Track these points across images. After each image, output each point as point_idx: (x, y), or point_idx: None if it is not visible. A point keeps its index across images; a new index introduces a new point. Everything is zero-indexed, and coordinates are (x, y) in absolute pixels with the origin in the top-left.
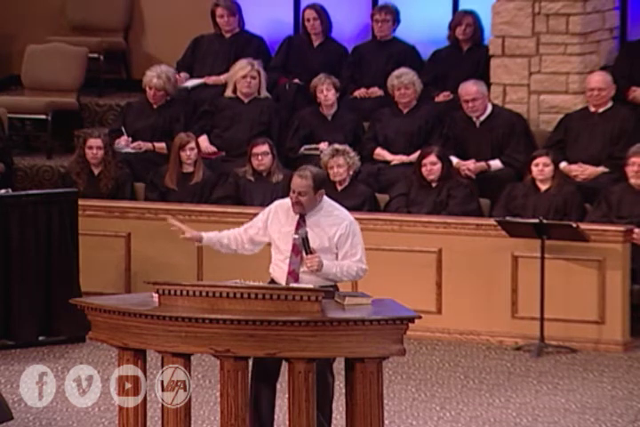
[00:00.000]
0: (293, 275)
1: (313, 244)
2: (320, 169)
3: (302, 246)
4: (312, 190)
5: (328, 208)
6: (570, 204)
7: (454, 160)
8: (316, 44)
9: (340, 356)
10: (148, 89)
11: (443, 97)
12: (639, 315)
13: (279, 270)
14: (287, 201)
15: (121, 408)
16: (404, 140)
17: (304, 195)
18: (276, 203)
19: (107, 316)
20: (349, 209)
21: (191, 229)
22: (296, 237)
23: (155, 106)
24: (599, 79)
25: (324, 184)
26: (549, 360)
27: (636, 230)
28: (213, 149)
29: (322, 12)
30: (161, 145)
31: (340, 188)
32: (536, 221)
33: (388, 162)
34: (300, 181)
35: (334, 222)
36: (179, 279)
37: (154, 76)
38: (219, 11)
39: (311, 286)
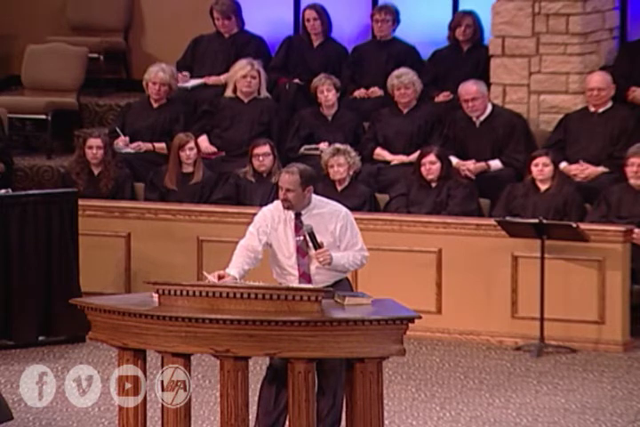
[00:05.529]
0: (305, 277)
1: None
2: (308, 166)
3: (310, 241)
4: (300, 187)
5: (319, 204)
6: (570, 204)
7: (454, 161)
8: (316, 44)
9: (340, 356)
10: (151, 84)
11: (443, 97)
12: (639, 315)
13: (291, 277)
14: (275, 206)
15: (121, 408)
16: (404, 140)
17: (292, 191)
18: (264, 210)
19: (106, 316)
20: (349, 209)
21: (223, 272)
22: (299, 239)
23: (155, 105)
24: (599, 79)
25: (311, 180)
26: (549, 360)
27: (636, 230)
28: (213, 149)
29: (322, 13)
30: (161, 145)
31: (339, 188)
32: (536, 221)
33: (387, 162)
34: (287, 177)
35: (331, 216)
36: (179, 279)
37: (159, 71)
38: (215, 13)
39: (314, 285)
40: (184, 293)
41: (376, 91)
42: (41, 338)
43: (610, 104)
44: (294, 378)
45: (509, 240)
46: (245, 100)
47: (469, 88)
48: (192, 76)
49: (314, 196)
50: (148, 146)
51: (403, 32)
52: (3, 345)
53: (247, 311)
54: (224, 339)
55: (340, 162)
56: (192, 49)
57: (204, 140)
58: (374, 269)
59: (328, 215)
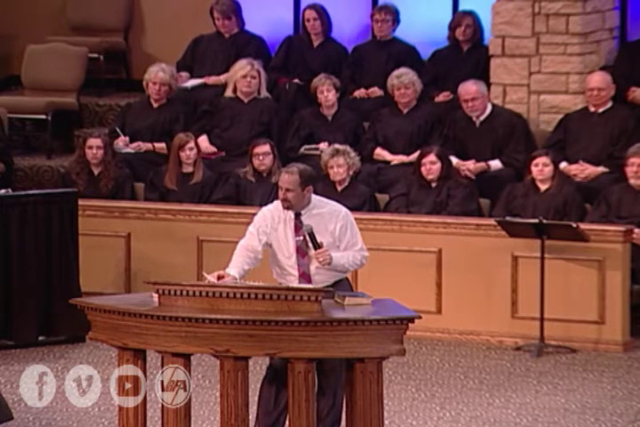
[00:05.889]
0: (305, 277)
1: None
2: (308, 166)
3: (310, 241)
4: (299, 187)
5: (319, 204)
6: (570, 204)
7: (454, 160)
8: (316, 44)
9: (340, 356)
10: (151, 84)
11: (443, 97)
12: (639, 315)
13: (291, 277)
14: (275, 206)
15: (121, 408)
16: (404, 140)
17: (291, 191)
18: (264, 210)
19: (106, 316)
20: (349, 209)
21: (222, 272)
22: (298, 239)
23: (155, 105)
24: (599, 79)
25: (311, 180)
26: (549, 360)
27: (636, 230)
28: (213, 149)
29: (322, 13)
30: (161, 145)
31: (339, 188)
32: (536, 221)
33: (388, 162)
34: (287, 177)
35: (331, 216)
36: (179, 279)
37: (159, 71)
38: (215, 14)
39: (314, 285)
40: (184, 293)
41: (376, 91)
42: (41, 338)
43: (610, 104)
44: (294, 378)
45: (509, 240)
46: (245, 100)
47: (469, 88)
48: (192, 76)
49: (314, 196)
50: (148, 146)
51: (403, 32)
52: (3, 345)
53: (247, 311)
54: (224, 339)
55: (340, 163)
56: (192, 49)
57: (203, 141)
58: (374, 269)
59: (328, 215)
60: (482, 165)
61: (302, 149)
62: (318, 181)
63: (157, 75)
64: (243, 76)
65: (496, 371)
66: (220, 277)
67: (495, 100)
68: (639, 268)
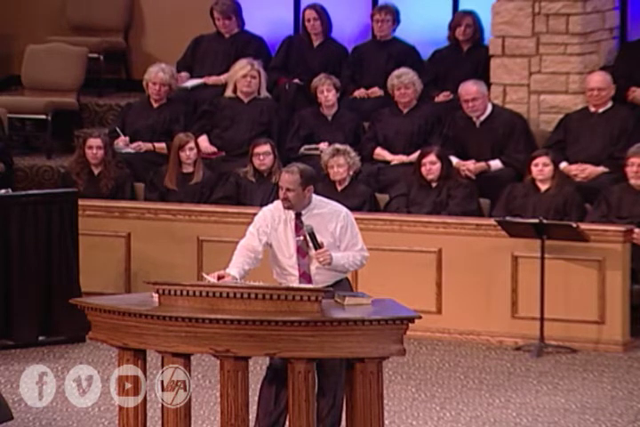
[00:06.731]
0: (305, 276)
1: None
2: (308, 166)
3: (311, 241)
4: (300, 186)
5: (319, 204)
6: (570, 204)
7: (454, 160)
8: (316, 44)
9: (339, 356)
10: (151, 85)
11: (443, 97)
12: (639, 315)
13: (291, 277)
14: (275, 206)
15: (121, 408)
16: (404, 140)
17: (292, 191)
18: (265, 210)
19: (106, 316)
20: (349, 209)
21: (222, 272)
22: (299, 239)
23: (155, 105)
24: (599, 79)
25: (312, 180)
26: (549, 360)
27: (636, 230)
28: (213, 149)
29: (322, 13)
30: (161, 145)
31: (339, 188)
32: (536, 221)
33: (388, 162)
34: (287, 176)
35: (331, 216)
36: (179, 279)
37: (159, 71)
38: (215, 13)
39: (314, 285)
40: (184, 293)
41: (376, 91)
42: (41, 338)
43: (610, 104)
44: (294, 378)
45: (509, 240)
46: (245, 100)
47: (469, 88)
48: (192, 76)
49: (314, 196)
50: (148, 146)
51: (403, 32)
52: (3, 345)
53: (247, 311)
54: (224, 339)
55: (340, 162)
56: (192, 49)
57: (203, 140)
58: (374, 269)
59: (328, 215)
60: (482, 165)
61: (302, 149)
62: (319, 181)
63: (157, 75)
64: (243, 76)
65: (496, 371)
66: (220, 278)
67: (495, 100)
68: (639, 268)
